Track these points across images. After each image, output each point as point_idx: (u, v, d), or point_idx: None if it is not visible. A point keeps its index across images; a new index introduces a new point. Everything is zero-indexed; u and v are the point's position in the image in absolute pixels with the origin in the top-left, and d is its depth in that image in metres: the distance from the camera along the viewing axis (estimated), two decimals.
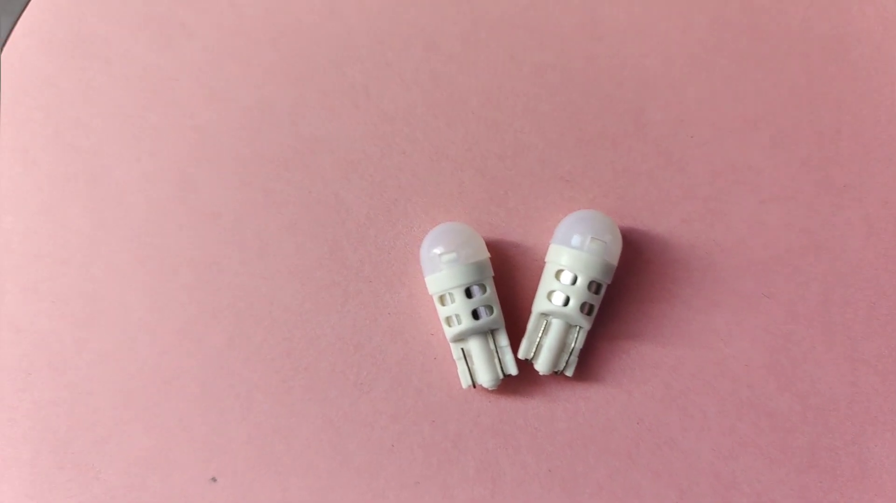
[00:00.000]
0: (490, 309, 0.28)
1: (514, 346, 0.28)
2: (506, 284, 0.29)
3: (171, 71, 0.31)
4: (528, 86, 0.30)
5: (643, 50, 0.31)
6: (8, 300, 0.30)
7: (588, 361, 0.29)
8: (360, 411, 0.29)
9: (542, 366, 0.28)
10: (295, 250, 0.30)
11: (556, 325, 0.28)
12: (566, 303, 0.27)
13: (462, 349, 0.28)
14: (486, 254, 0.28)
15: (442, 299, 0.28)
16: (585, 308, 0.28)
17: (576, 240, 0.27)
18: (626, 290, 0.29)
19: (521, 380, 0.29)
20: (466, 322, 0.27)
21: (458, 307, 0.27)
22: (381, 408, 0.29)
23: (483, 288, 0.28)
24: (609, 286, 0.28)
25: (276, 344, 0.29)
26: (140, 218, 0.30)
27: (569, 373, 0.28)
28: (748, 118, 0.30)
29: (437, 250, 0.28)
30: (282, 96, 0.30)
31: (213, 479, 0.29)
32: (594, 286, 0.28)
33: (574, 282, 0.27)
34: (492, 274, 0.28)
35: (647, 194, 0.30)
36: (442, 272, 0.27)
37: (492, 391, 0.29)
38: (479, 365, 0.28)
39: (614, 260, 0.28)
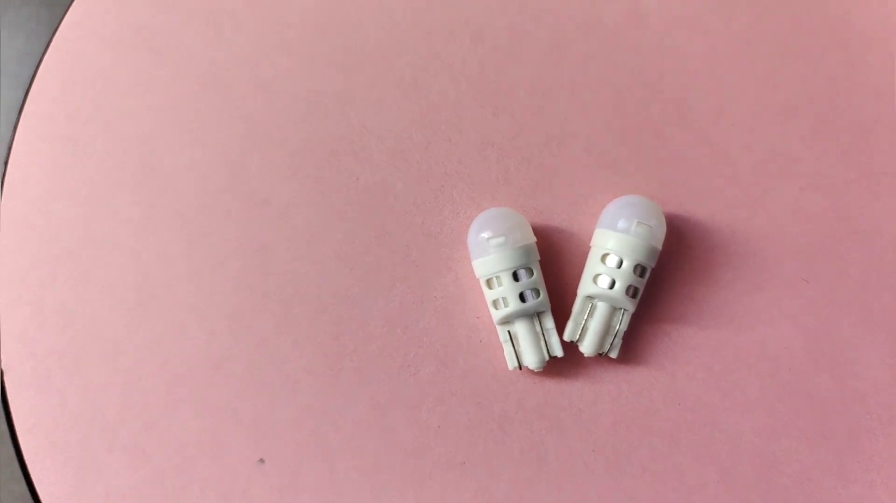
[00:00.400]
0: (536, 292, 0.28)
1: (560, 329, 0.29)
2: (551, 268, 0.30)
3: (221, 62, 0.31)
4: (572, 75, 0.31)
5: (686, 40, 0.31)
6: (59, 286, 0.30)
7: (631, 344, 0.30)
8: (406, 393, 0.29)
9: (587, 348, 0.29)
10: (343, 236, 0.30)
11: (601, 308, 0.28)
12: (612, 286, 0.28)
13: (508, 332, 0.29)
14: (533, 239, 0.29)
15: (489, 282, 0.28)
16: (631, 291, 0.28)
17: (622, 224, 0.28)
18: (669, 274, 0.30)
19: (566, 363, 0.30)
20: (513, 305, 0.28)
21: (505, 290, 0.28)
22: (427, 391, 0.30)
23: (530, 271, 0.28)
24: (653, 270, 0.29)
25: (324, 327, 0.30)
26: (190, 205, 0.31)
27: (613, 354, 0.29)
28: (788, 107, 0.31)
29: (486, 234, 0.28)
30: (331, 86, 0.31)
31: (261, 461, 0.29)
32: (639, 269, 0.28)
33: (620, 265, 0.28)
34: (538, 258, 0.29)
35: (689, 180, 0.30)
36: (490, 256, 0.28)
37: (537, 373, 0.30)
38: (526, 347, 0.28)
39: (659, 244, 0.28)
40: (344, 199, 0.31)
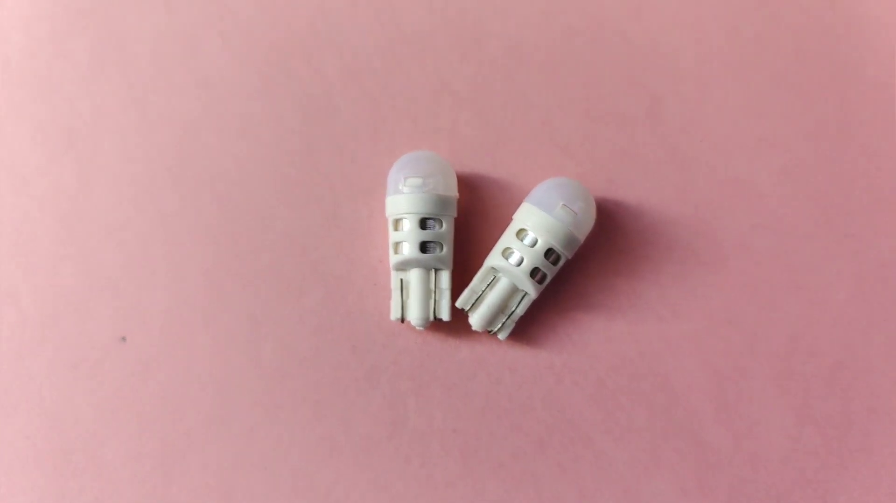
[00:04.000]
0: (440, 247, 0.27)
1: (457, 295, 0.27)
2: (469, 232, 0.28)
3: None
4: (553, 45, 0.29)
5: (678, 43, 0.29)
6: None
7: (528, 333, 0.28)
8: (285, 314, 0.28)
9: (476, 320, 0.27)
10: (275, 140, 0.29)
11: (502, 283, 0.27)
12: (519, 263, 0.26)
13: (402, 280, 0.27)
14: (455, 193, 0.27)
15: (396, 223, 0.27)
16: (538, 275, 0.26)
17: (547, 203, 0.26)
18: (594, 265, 0.28)
19: (453, 332, 0.28)
20: (411, 252, 0.26)
21: (407, 234, 0.26)
22: (306, 318, 0.28)
23: (440, 223, 0.27)
24: (569, 261, 0.27)
25: (226, 225, 0.29)
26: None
27: (501, 336, 0.27)
28: (765, 140, 0.29)
29: (404, 173, 0.27)
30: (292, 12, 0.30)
31: (123, 339, 0.28)
32: (553, 255, 0.26)
33: (533, 244, 0.26)
34: (454, 214, 0.27)
35: (641, 182, 0.28)
36: (402, 195, 0.26)
37: (420, 333, 0.28)
38: (413, 300, 0.27)
39: (581, 234, 0.26)
40: (288, 103, 0.29)
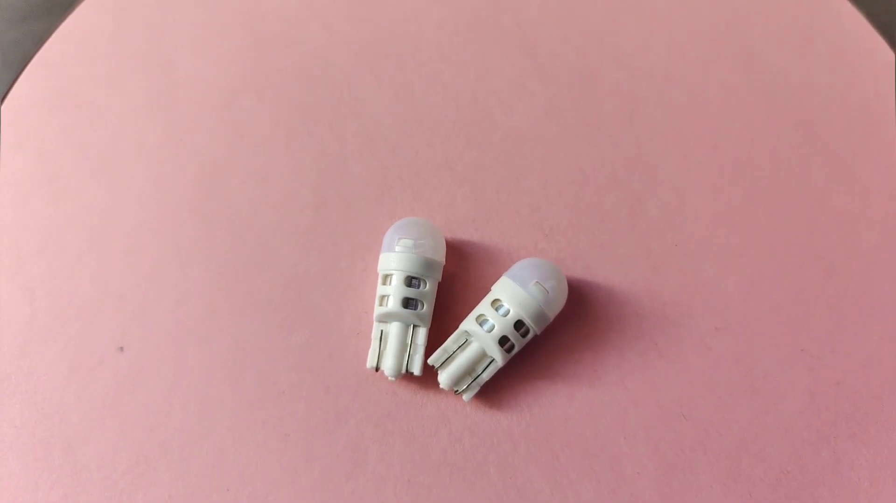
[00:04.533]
0: (422, 304, 0.29)
1: (431, 353, 0.29)
2: (452, 297, 0.30)
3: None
4: (550, 141, 0.33)
5: (664, 154, 0.32)
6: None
7: (493, 398, 0.29)
8: (271, 348, 0.30)
9: (444, 378, 0.29)
10: (290, 189, 0.32)
11: (472, 347, 0.29)
12: (491, 330, 0.28)
13: (382, 331, 0.29)
14: (441, 259, 0.30)
15: (385, 279, 0.29)
16: (506, 344, 0.28)
17: (521, 279, 0.29)
18: (563, 338, 0.30)
19: (423, 387, 0.30)
20: (393, 305, 0.29)
21: (392, 289, 0.29)
22: (290, 355, 0.30)
23: (424, 283, 0.29)
24: (539, 337, 0.29)
25: (230, 252, 0.31)
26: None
27: (466, 397, 0.29)
28: (735, 251, 0.31)
29: (399, 234, 0.29)
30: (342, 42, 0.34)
31: (121, 349, 0.30)
32: (522, 328, 0.28)
33: (506, 315, 0.28)
34: (438, 277, 0.29)
35: (615, 273, 0.31)
36: (393, 253, 0.29)
37: (391, 383, 0.30)
38: (389, 351, 0.29)
39: (550, 311, 0.29)
40: (307, 159, 0.32)
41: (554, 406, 0.29)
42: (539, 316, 0.28)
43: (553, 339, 0.30)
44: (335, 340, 0.30)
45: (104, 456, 0.29)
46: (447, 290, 0.30)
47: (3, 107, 0.33)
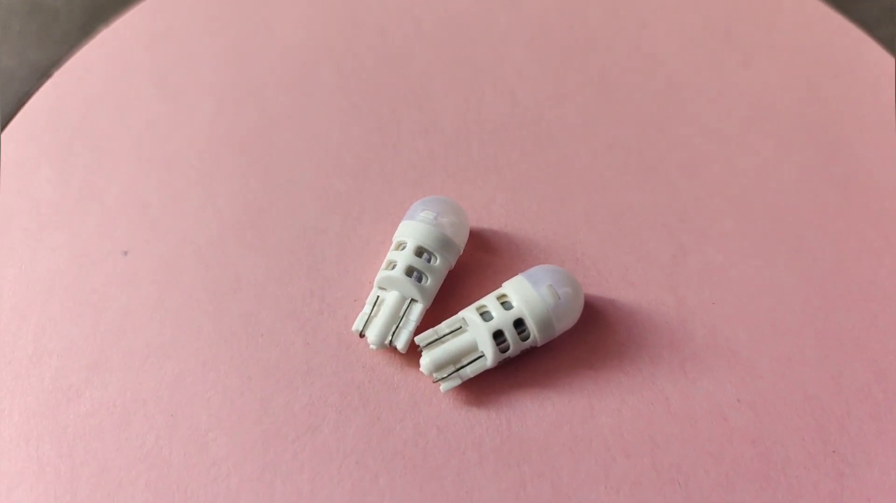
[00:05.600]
0: (426, 278, 0.27)
1: (422, 330, 0.27)
2: (461, 289, 0.29)
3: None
4: (602, 170, 0.31)
5: (718, 209, 0.30)
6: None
7: (472, 402, 0.27)
8: (264, 289, 0.29)
9: (425, 360, 0.26)
10: (317, 161, 0.32)
11: (465, 336, 0.26)
12: (489, 321, 0.26)
13: (378, 297, 0.28)
14: (459, 242, 0.28)
15: (398, 246, 0.28)
16: (501, 341, 0.26)
17: (536, 279, 0.27)
18: (563, 371, 0.27)
19: (402, 370, 0.27)
20: (397, 272, 0.27)
21: (401, 256, 0.27)
22: (280, 301, 0.29)
23: (434, 258, 0.27)
24: (541, 353, 0.27)
25: (261, 197, 0.31)
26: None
27: (443, 387, 0.26)
28: (772, 323, 0.28)
29: (423, 206, 0.28)
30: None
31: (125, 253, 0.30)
32: (523, 330, 0.26)
33: (509, 310, 0.26)
34: (451, 260, 0.28)
35: (643, 309, 0.28)
36: (411, 222, 0.28)
37: (370, 355, 0.28)
38: (379, 318, 0.27)
39: (557, 321, 0.26)
40: (357, 130, 0.33)
41: (537, 429, 0.26)
42: (543, 320, 0.26)
43: (556, 359, 0.27)
44: (330, 300, 0.29)
45: (70, 345, 0.28)
46: (458, 281, 0.29)
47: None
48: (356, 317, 0.28)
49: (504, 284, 0.27)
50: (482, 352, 0.26)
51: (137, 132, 0.33)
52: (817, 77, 0.34)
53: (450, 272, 0.29)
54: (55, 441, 0.26)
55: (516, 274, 0.28)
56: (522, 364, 0.27)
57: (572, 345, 0.28)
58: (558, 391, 0.27)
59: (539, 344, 0.27)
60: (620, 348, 0.28)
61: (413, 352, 0.27)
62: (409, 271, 0.27)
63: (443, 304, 0.28)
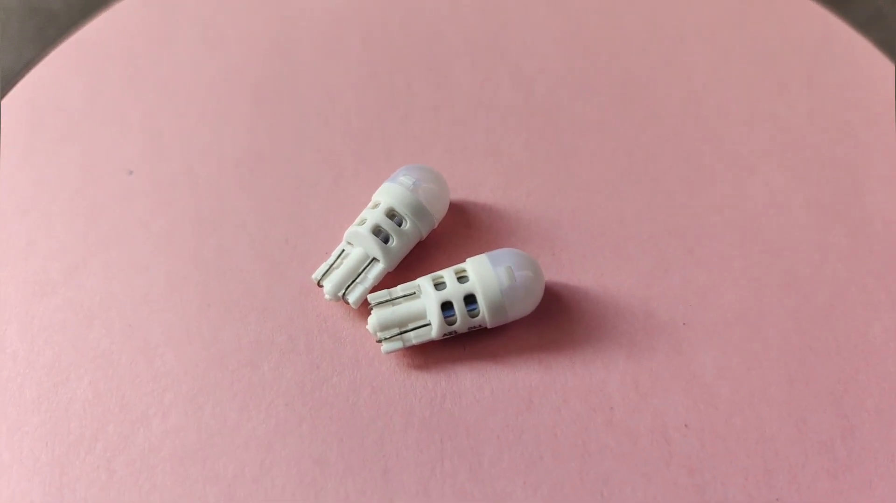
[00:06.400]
0: (392, 239, 0.27)
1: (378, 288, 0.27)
2: (430, 261, 0.29)
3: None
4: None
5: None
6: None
7: (418, 374, 0.26)
8: (242, 227, 0.30)
9: (372, 319, 0.26)
10: (302, 120, 0.33)
11: (416, 302, 0.26)
12: (441, 290, 0.26)
13: (343, 250, 0.28)
14: (434, 213, 0.28)
15: (373, 205, 0.28)
16: (448, 312, 0.26)
17: (496, 259, 0.26)
18: (518, 348, 0.27)
19: (353, 327, 0.27)
20: (364, 230, 0.27)
21: (372, 215, 0.27)
22: (255, 240, 0.29)
23: (405, 222, 0.27)
24: (494, 335, 0.26)
25: (264, 142, 0.32)
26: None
27: (384, 348, 0.26)
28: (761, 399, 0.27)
29: (405, 171, 0.28)
30: None
31: (130, 172, 0.32)
32: (474, 307, 0.26)
33: (463, 284, 0.26)
34: (422, 229, 0.28)
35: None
36: (389, 184, 0.28)
37: (324, 308, 0.28)
38: (339, 270, 0.27)
39: (510, 306, 0.26)
40: (369, 96, 0.33)
41: (470, 410, 0.26)
42: (494, 301, 0.26)
43: (508, 345, 0.27)
44: (302, 249, 0.29)
45: (59, 246, 0.30)
46: (430, 252, 0.29)
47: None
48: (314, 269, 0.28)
49: (468, 260, 0.27)
50: (429, 321, 0.26)
51: (165, 69, 0.34)
52: (850, 119, 0.32)
53: (422, 242, 0.29)
54: (22, 327, 0.28)
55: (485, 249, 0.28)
56: (472, 343, 0.27)
57: (527, 335, 0.27)
58: (501, 377, 0.26)
59: (489, 325, 0.26)
60: (576, 348, 0.27)
61: (365, 310, 0.27)
62: (377, 230, 0.27)
63: (408, 271, 0.28)
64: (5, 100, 0.33)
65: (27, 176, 0.31)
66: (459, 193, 0.30)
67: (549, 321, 0.27)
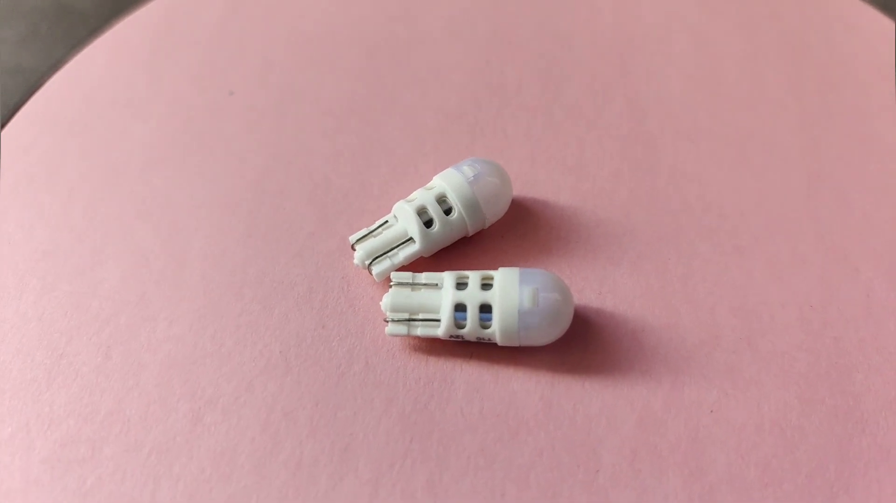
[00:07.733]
0: (434, 225, 0.26)
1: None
2: (470, 259, 0.27)
3: None
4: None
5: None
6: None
7: (425, 359, 0.25)
8: (296, 185, 0.30)
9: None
10: (353, 106, 0.32)
11: (432, 294, 0.25)
12: (462, 290, 0.25)
13: (387, 221, 0.27)
14: (487, 211, 0.27)
15: (430, 187, 0.27)
16: (424, 215, 0.26)
17: (526, 279, 0.25)
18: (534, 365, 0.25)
19: (374, 301, 0.27)
20: (410, 207, 0.26)
21: (423, 195, 0.27)
22: (300, 200, 0.29)
23: (453, 212, 0.26)
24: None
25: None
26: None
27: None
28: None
29: (469, 162, 0.27)
30: None
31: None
32: (487, 317, 0.24)
33: (485, 291, 0.25)
34: (470, 223, 0.26)
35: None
36: (450, 170, 0.27)
37: (353, 273, 0.27)
38: (374, 240, 0.27)
39: (534, 323, 0.24)
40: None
41: (451, 419, 0.24)
42: (509, 319, 0.24)
43: (517, 371, 0.25)
44: (358, 206, 0.29)
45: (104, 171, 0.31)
46: (473, 252, 0.27)
47: None
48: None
49: (500, 269, 0.25)
50: (440, 317, 0.25)
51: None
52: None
53: (472, 239, 0.27)
54: (90, 207, 0.30)
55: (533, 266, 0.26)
56: (480, 355, 0.26)
57: (538, 365, 0.25)
58: (496, 400, 0.25)
59: (499, 342, 0.25)
60: (584, 396, 0.25)
61: (387, 286, 0.26)
62: (422, 211, 0.26)
63: (445, 263, 0.27)
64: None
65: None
66: (526, 196, 0.29)
67: (569, 354, 0.25)
